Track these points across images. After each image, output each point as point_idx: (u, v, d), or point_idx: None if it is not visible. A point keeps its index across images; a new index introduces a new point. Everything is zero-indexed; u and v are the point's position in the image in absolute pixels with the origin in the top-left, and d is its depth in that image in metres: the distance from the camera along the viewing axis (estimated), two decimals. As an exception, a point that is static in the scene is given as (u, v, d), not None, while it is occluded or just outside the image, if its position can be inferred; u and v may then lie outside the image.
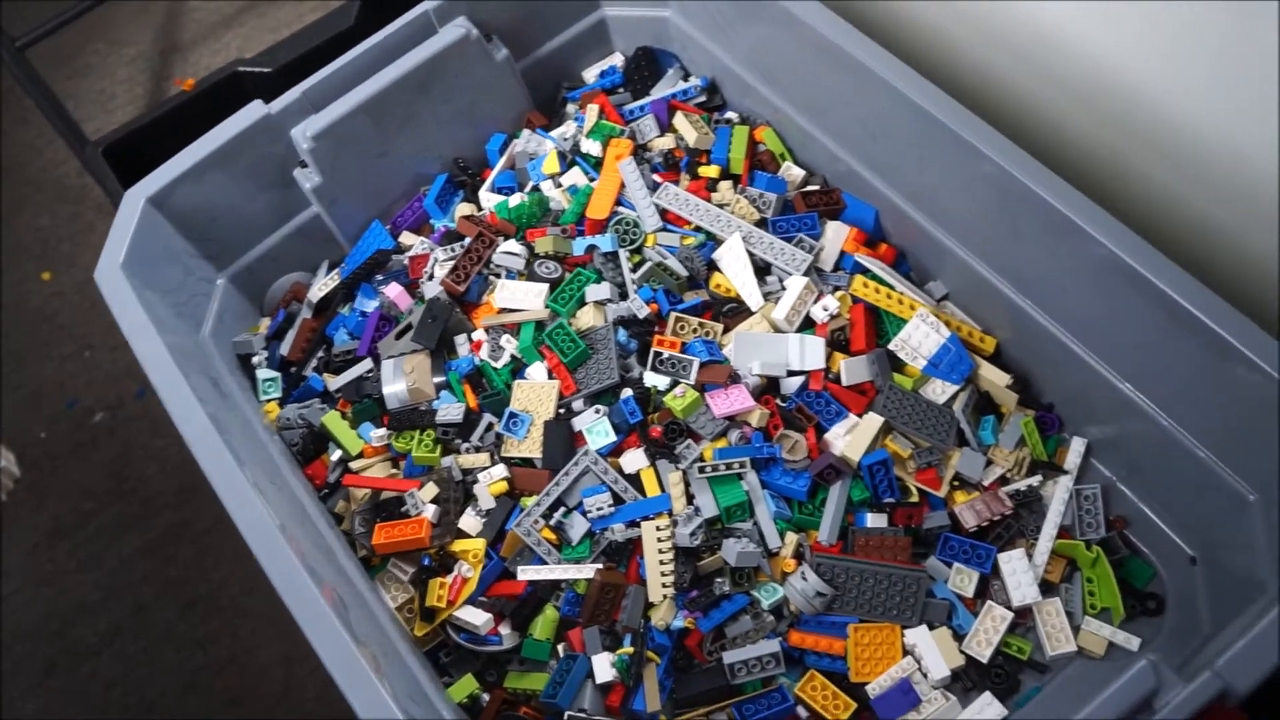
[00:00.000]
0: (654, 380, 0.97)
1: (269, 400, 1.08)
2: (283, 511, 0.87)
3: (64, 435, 1.77)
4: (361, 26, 1.24)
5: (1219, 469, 0.88)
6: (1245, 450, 0.86)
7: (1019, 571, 0.93)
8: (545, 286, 1.03)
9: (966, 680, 0.92)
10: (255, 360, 1.11)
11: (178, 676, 1.54)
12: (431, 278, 1.09)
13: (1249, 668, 0.69)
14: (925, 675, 0.90)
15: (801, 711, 0.90)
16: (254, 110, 1.05)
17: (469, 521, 0.96)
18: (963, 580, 0.93)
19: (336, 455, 1.03)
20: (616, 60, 1.25)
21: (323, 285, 1.14)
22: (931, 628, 0.92)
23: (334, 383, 1.06)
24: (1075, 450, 1.00)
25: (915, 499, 0.95)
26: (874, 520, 0.94)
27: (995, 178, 0.91)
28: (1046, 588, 0.95)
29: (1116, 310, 0.89)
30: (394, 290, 1.07)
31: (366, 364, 1.05)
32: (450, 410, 0.99)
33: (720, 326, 1.00)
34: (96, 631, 1.58)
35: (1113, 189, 1.02)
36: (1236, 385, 0.81)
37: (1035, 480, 0.98)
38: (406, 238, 1.16)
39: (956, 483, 0.97)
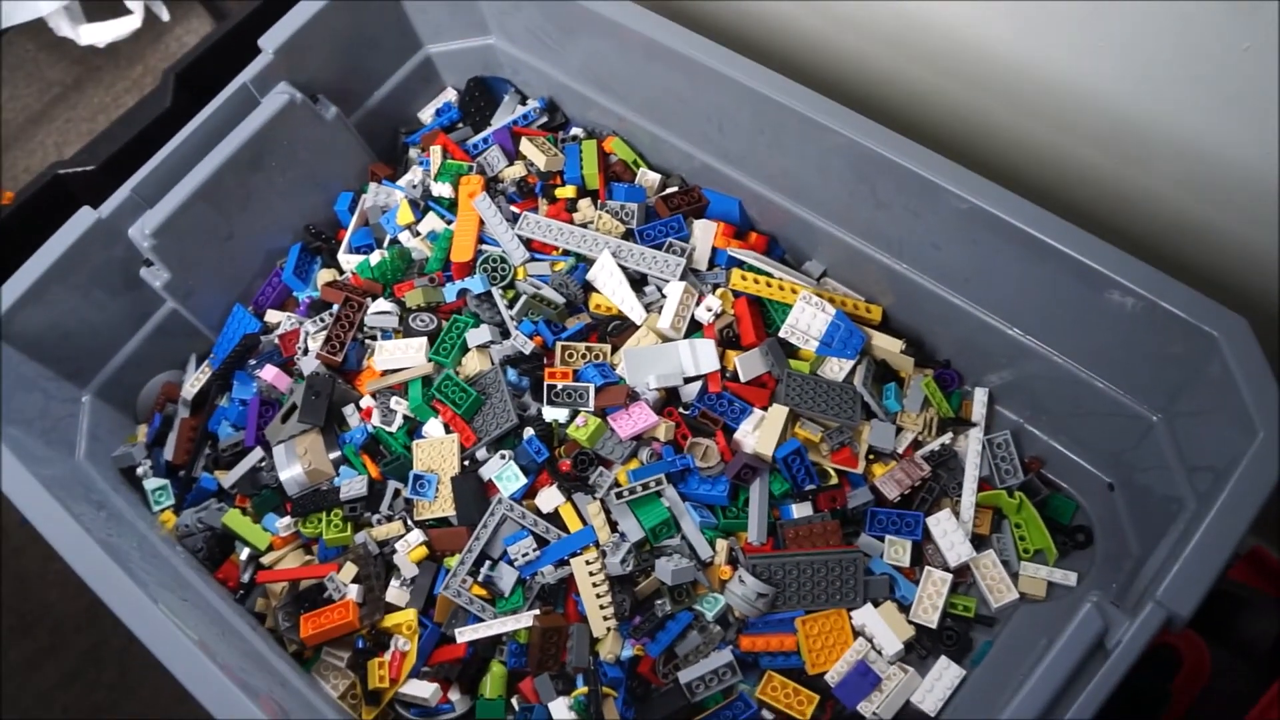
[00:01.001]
0: (553, 414, 0.95)
1: (162, 510, 1.03)
2: (200, 626, 0.84)
3: (-46, 585, 1.68)
4: (179, 107, 1.19)
5: (1117, 394, 0.90)
6: (1136, 373, 0.88)
7: (949, 532, 0.93)
8: (424, 340, 1.01)
9: (920, 649, 0.92)
10: (140, 471, 1.06)
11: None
12: (306, 352, 1.05)
13: (1187, 593, 0.70)
14: (880, 653, 0.90)
15: (767, 715, 0.89)
16: (84, 217, 0.99)
17: (395, 594, 0.94)
18: (897, 551, 0.93)
19: (245, 553, 0.99)
20: (450, 96, 1.22)
21: (195, 381, 1.09)
22: (876, 604, 0.92)
23: (227, 479, 1.02)
24: (979, 401, 1.01)
25: (835, 481, 0.95)
26: (799, 510, 0.94)
27: (846, 149, 0.91)
28: (978, 541, 0.95)
29: (987, 258, 0.90)
30: (270, 373, 1.03)
31: (257, 453, 1.02)
32: (353, 484, 0.97)
33: (608, 347, 0.99)
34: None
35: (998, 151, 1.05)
36: (1112, 310, 0.83)
37: (947, 438, 0.98)
38: (273, 316, 1.12)
39: (872, 456, 0.98)
